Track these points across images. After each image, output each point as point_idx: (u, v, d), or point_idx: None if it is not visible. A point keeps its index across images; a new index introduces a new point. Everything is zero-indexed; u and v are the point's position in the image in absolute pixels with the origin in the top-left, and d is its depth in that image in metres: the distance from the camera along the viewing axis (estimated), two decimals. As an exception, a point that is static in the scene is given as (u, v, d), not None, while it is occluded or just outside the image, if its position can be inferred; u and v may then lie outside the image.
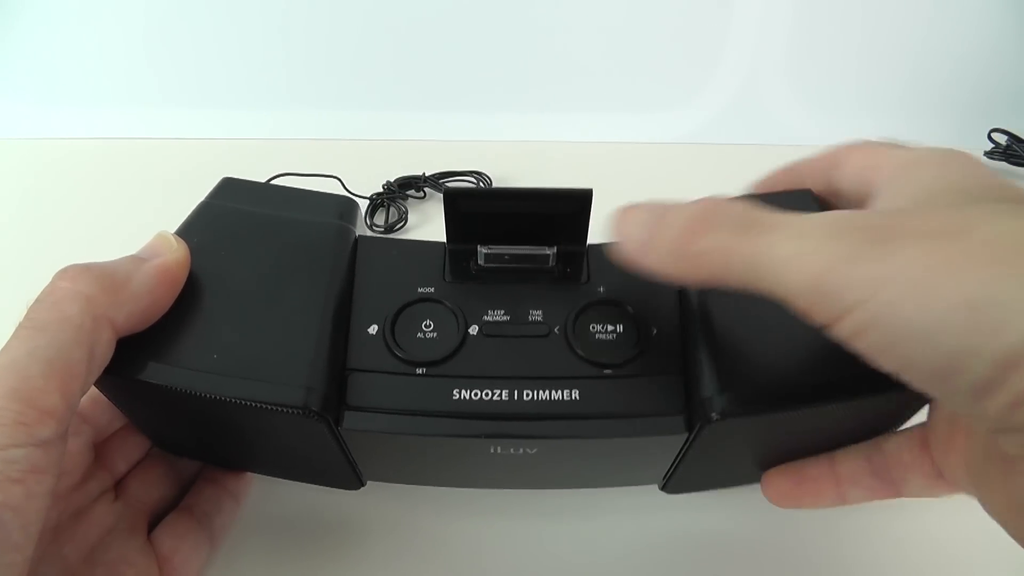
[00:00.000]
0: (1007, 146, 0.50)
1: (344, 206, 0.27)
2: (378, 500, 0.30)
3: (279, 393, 0.22)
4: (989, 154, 0.51)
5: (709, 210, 0.19)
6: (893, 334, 0.16)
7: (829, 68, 0.55)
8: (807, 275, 0.17)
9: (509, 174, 0.49)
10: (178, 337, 0.23)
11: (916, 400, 0.24)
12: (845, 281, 0.17)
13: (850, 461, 0.26)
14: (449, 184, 0.25)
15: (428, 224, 0.46)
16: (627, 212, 0.21)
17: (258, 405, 0.22)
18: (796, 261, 0.17)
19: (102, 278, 0.22)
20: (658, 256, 0.20)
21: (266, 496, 0.31)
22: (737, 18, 0.53)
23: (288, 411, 0.22)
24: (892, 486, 0.25)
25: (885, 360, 0.17)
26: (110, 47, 0.53)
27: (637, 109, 0.55)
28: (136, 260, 0.23)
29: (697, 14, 0.53)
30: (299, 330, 0.23)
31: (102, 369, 0.22)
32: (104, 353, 0.21)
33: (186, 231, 0.26)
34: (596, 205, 0.25)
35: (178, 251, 0.24)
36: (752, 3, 0.53)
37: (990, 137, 0.51)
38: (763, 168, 0.51)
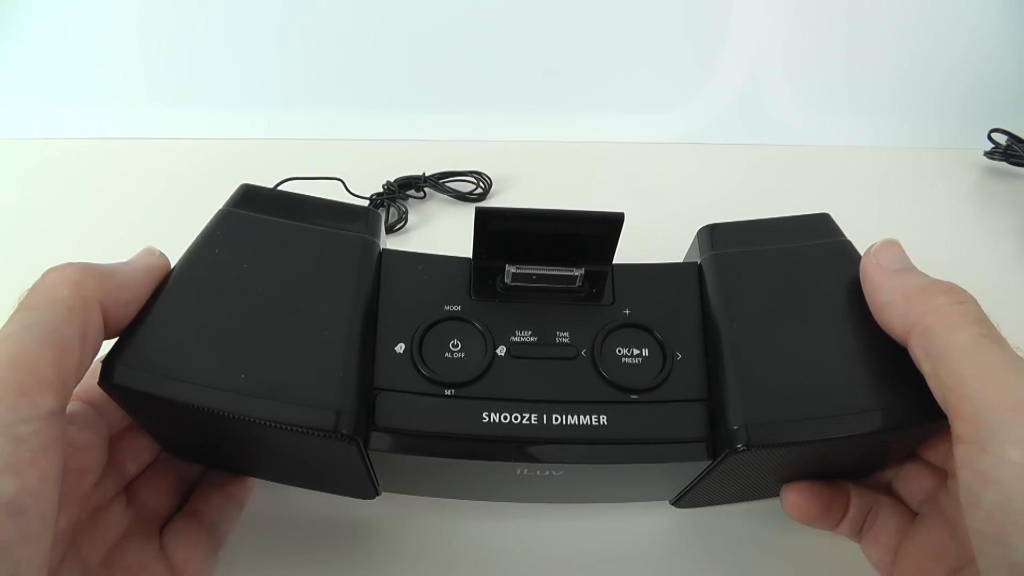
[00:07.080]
0: (1007, 146, 0.50)
1: (368, 217, 0.27)
2: (384, 502, 0.30)
3: (310, 415, 0.22)
4: (989, 154, 0.51)
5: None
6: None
7: (829, 68, 0.55)
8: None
9: (509, 174, 0.49)
10: (205, 353, 0.23)
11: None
12: None
13: (863, 500, 0.27)
14: (481, 205, 0.25)
15: (428, 224, 0.46)
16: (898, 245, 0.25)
17: (288, 427, 0.22)
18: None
19: (90, 267, 0.23)
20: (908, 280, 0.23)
21: (268, 497, 0.31)
22: (737, 18, 0.53)
23: (319, 434, 0.22)
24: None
25: (977, 515, 0.19)
26: (111, 47, 0.53)
27: (637, 109, 0.55)
28: (122, 262, 0.24)
29: (697, 14, 0.53)
30: (327, 348, 0.23)
31: (96, 352, 0.22)
32: (96, 335, 0.22)
33: (207, 240, 0.25)
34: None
35: (161, 257, 0.25)
36: (752, 3, 0.53)
37: (990, 137, 0.51)
38: (763, 168, 0.51)
